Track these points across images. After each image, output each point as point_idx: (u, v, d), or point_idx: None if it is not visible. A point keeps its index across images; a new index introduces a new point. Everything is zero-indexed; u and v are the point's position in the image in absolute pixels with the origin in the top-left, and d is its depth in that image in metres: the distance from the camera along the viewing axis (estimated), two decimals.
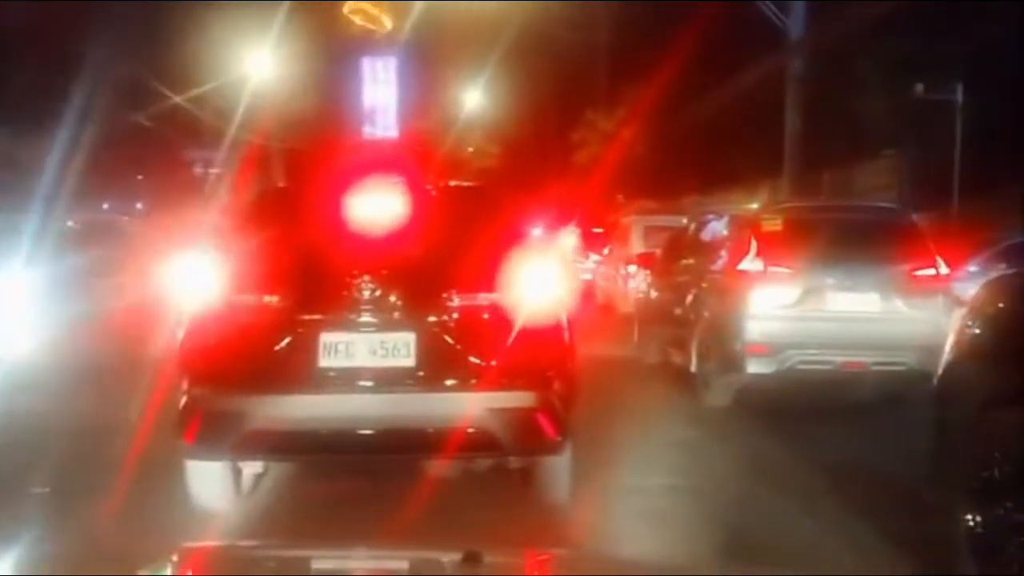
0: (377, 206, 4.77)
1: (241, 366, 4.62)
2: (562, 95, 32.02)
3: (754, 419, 7.31)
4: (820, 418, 7.02)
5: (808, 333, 7.30)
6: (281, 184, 11.16)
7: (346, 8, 23.76)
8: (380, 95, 25.01)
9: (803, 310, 7.40)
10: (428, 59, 29.24)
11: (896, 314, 7.41)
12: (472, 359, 4.59)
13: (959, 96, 17.05)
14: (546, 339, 4.70)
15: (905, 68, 17.33)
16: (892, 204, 10.67)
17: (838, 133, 19.20)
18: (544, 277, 4.83)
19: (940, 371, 4.18)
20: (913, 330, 7.05)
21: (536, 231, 6.32)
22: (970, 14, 16.11)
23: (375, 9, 23.42)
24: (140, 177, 25.18)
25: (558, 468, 4.93)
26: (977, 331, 4.04)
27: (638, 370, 9.78)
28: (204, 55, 23.45)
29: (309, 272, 4.72)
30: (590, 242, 18.60)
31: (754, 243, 7.63)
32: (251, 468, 5.14)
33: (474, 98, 32.03)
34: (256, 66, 25.00)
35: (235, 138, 24.96)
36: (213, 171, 25.74)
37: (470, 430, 4.47)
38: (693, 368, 8.09)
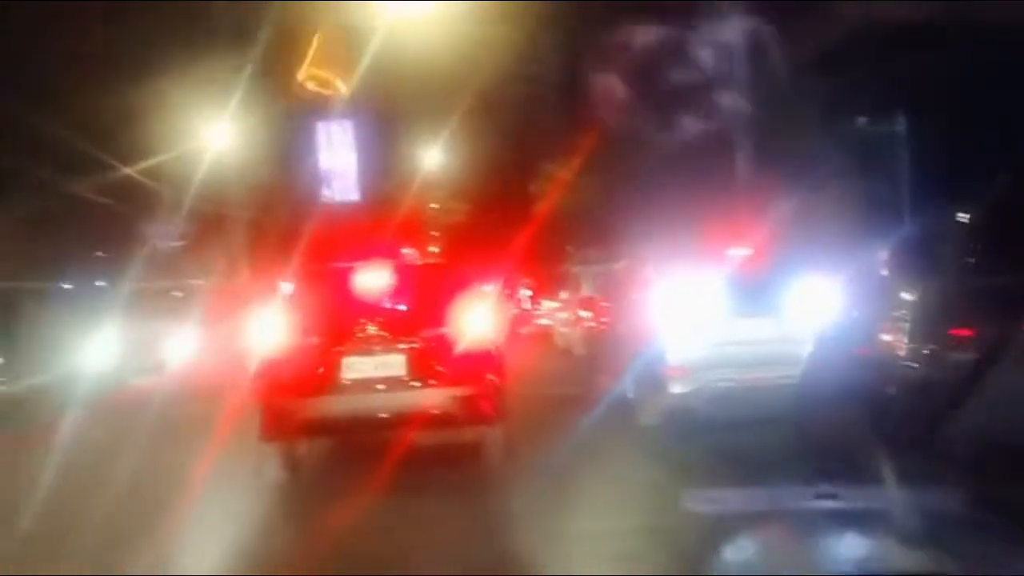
0: (377, 279, 8.03)
1: (295, 381, 7.72)
2: (521, 148, 32.24)
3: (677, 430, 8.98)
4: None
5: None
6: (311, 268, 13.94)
7: (300, 75, 23.90)
8: (338, 159, 25.05)
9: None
10: (386, 120, 29.43)
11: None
12: (439, 368, 7.68)
13: (902, 126, 17.24)
14: (483, 354, 7.86)
15: (849, 101, 17.53)
16: None
17: (787, 168, 19.37)
18: (483, 317, 7.95)
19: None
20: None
21: (484, 287, 9.40)
22: (908, 47, 16.37)
23: (328, 74, 23.55)
24: (99, 254, 24.95)
25: (494, 437, 7.93)
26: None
27: (587, 404, 10.84)
28: (159, 127, 23.44)
29: (335, 321, 7.92)
30: (543, 290, 18.72)
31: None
32: (300, 449, 8.17)
33: (434, 156, 32.22)
34: (212, 136, 25.05)
35: (194, 209, 24.90)
36: (174, 244, 25.60)
37: (438, 412, 7.55)
38: (631, 394, 9.59)
